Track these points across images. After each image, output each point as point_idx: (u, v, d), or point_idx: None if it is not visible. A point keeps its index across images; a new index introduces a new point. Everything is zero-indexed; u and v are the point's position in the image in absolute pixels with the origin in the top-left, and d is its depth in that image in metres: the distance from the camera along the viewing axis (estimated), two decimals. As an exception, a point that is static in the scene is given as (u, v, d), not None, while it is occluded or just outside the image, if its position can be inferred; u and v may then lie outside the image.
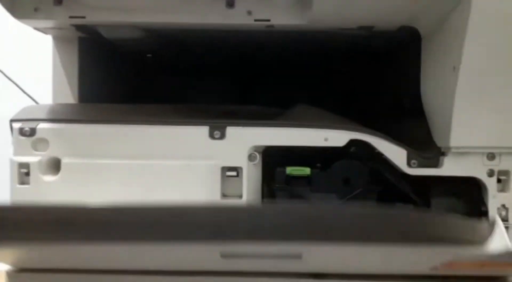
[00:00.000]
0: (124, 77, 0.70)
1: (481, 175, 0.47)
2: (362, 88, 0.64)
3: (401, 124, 0.55)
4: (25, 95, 0.68)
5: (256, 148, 0.49)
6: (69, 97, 0.61)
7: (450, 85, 0.45)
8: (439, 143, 0.49)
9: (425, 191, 0.49)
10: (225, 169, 0.49)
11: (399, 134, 0.50)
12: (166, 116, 0.53)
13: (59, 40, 0.61)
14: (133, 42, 0.62)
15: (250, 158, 0.49)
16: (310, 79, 0.68)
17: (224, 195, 0.49)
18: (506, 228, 0.47)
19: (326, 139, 0.48)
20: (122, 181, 0.48)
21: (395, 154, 0.48)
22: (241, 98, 0.74)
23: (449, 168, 0.48)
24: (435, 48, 0.49)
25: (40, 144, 0.48)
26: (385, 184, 0.48)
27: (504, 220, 0.47)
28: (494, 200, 0.48)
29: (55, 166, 0.49)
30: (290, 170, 0.49)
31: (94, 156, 0.48)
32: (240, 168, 0.49)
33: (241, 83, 0.74)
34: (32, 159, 0.48)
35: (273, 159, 0.50)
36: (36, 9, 0.49)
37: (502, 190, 0.48)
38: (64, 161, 0.48)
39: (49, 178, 0.48)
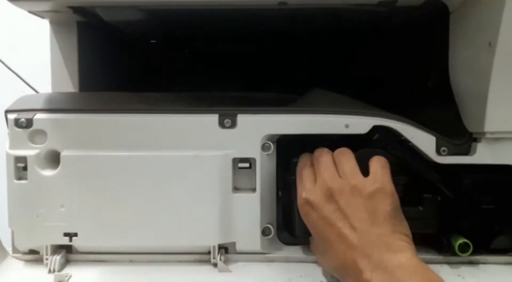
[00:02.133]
0: (126, 65, 0.67)
1: (516, 162, 0.43)
2: (382, 71, 0.59)
3: (427, 108, 0.50)
4: (24, 85, 0.65)
5: (270, 137, 0.45)
6: (69, 85, 0.57)
7: (485, 63, 0.41)
8: (471, 128, 0.44)
9: (454, 181, 0.45)
10: (236, 160, 0.45)
11: (424, 119, 0.46)
12: (172, 104, 0.49)
13: (56, 25, 0.57)
14: (135, 26, 0.59)
15: (264, 147, 0.45)
16: (325, 62, 0.64)
17: (236, 188, 0.45)
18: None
19: (347, 126, 0.44)
20: (126, 174, 0.44)
21: (423, 141, 0.44)
22: (252, 85, 0.70)
23: (482, 155, 0.44)
24: (467, 23, 0.44)
25: (38, 135, 0.45)
26: (411, 174, 0.44)
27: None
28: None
29: (54, 159, 0.45)
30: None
31: (96, 148, 0.45)
32: (253, 159, 0.45)
33: (252, 69, 0.70)
34: (29, 152, 0.45)
35: (287, 148, 0.47)
36: (29, -10, 0.45)
37: (541, 178, 0.43)
38: (64, 153, 0.44)
39: (48, 172, 0.45)
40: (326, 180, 0.40)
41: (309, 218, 0.41)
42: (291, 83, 0.61)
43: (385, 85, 0.57)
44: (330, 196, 0.40)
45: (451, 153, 0.44)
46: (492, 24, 0.39)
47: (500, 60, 0.40)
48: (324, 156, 0.42)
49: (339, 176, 0.41)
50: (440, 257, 0.45)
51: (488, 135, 0.42)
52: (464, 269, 0.44)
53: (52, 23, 0.57)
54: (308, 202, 0.40)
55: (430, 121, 0.46)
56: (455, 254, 0.44)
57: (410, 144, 0.44)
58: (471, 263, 0.45)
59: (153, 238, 0.45)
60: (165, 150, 0.45)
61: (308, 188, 0.41)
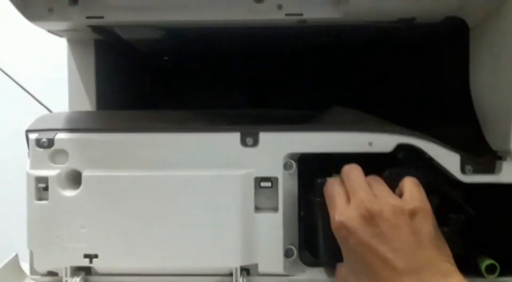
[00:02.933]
0: (141, 82, 0.67)
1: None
2: (400, 88, 0.59)
3: (447, 126, 0.50)
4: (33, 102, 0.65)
5: (292, 156, 0.45)
6: (86, 104, 0.57)
7: (509, 78, 0.40)
8: (495, 146, 0.44)
9: (479, 200, 0.44)
10: (258, 179, 0.45)
11: (446, 138, 0.45)
12: (193, 122, 0.49)
13: (74, 43, 0.57)
14: (151, 43, 0.59)
15: (286, 166, 0.45)
16: (341, 79, 0.64)
17: (257, 208, 0.45)
18: None
19: (370, 144, 0.44)
20: (147, 194, 0.44)
21: (448, 159, 0.43)
22: (265, 102, 0.70)
23: (508, 174, 0.43)
24: (489, 38, 0.44)
25: (59, 155, 0.45)
26: (439, 194, 0.43)
27: None
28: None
29: (75, 179, 0.45)
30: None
31: (117, 168, 0.44)
32: (275, 178, 0.45)
33: (265, 85, 0.70)
34: (50, 172, 0.44)
35: (310, 168, 0.46)
36: (50, 10, 0.45)
37: None
38: (85, 173, 0.44)
39: (69, 193, 0.44)
40: (363, 200, 0.37)
41: (346, 243, 0.38)
42: (307, 100, 0.61)
43: (403, 103, 0.57)
44: (370, 218, 0.37)
45: (477, 172, 0.43)
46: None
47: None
48: (355, 172, 0.40)
49: (375, 196, 0.38)
50: (467, 279, 0.44)
51: (514, 154, 0.42)
52: (492, 290, 0.43)
53: (70, 41, 0.57)
54: (344, 226, 0.38)
55: (453, 140, 0.45)
56: (482, 276, 0.43)
57: (434, 162, 0.44)
58: (498, 284, 0.44)
59: (174, 260, 0.44)
60: (186, 169, 0.44)
61: (342, 210, 0.38)
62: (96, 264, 0.44)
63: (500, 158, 0.43)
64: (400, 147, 0.44)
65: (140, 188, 0.44)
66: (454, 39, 0.50)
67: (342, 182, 0.41)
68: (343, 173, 0.41)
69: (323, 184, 0.42)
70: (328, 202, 0.40)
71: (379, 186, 0.39)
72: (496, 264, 0.43)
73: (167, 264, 0.44)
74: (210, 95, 0.68)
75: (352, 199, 0.38)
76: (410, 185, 0.39)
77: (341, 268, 0.41)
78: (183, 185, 0.44)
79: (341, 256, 0.40)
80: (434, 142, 0.44)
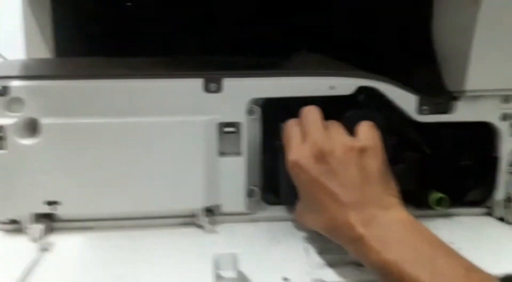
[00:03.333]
0: (102, 29, 0.64)
1: (494, 119, 0.45)
2: (363, 30, 0.59)
3: (409, 68, 0.51)
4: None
5: (255, 101, 0.45)
6: (44, 51, 0.55)
7: (469, 21, 0.41)
8: (451, 86, 0.45)
9: (434, 139, 0.46)
10: (222, 125, 0.45)
11: (407, 79, 0.46)
12: (154, 69, 0.48)
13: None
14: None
15: (249, 112, 0.45)
16: (304, 24, 0.63)
17: (221, 153, 0.45)
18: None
19: (332, 88, 0.44)
20: (109, 141, 0.43)
21: (405, 100, 0.45)
22: (234, 51, 0.69)
23: (462, 113, 0.45)
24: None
25: (15, 103, 0.43)
26: (397, 134, 0.45)
27: (517, 165, 0.45)
28: (507, 145, 0.45)
29: (33, 127, 0.44)
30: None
31: (76, 115, 0.43)
32: (239, 123, 0.45)
33: (233, 34, 0.69)
34: (6, 121, 0.43)
35: (272, 113, 0.46)
36: None
37: (515, 134, 0.45)
38: (43, 121, 0.43)
39: (27, 141, 0.43)
40: (316, 140, 0.39)
41: (299, 180, 0.40)
42: (273, 47, 0.60)
43: (367, 46, 0.57)
44: (321, 157, 0.38)
45: (433, 112, 0.45)
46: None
47: (484, 19, 0.40)
48: (312, 114, 0.41)
49: (329, 137, 0.39)
50: (418, 211, 0.46)
51: (468, 94, 0.43)
52: (440, 221, 0.46)
53: (22, -15, 0.54)
54: (297, 165, 0.39)
55: (413, 81, 0.46)
56: (432, 208, 0.45)
57: (392, 104, 0.45)
58: (445, 215, 0.47)
59: (138, 203, 0.44)
60: (149, 115, 0.44)
61: (296, 150, 0.40)
62: (59, 211, 0.44)
63: (455, 98, 0.45)
64: (360, 90, 0.44)
65: (101, 134, 0.43)
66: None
67: (299, 123, 0.42)
68: (300, 115, 0.42)
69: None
70: (285, 142, 0.42)
71: (335, 128, 0.41)
72: (446, 197, 0.45)
73: (131, 208, 0.44)
74: (175, 42, 0.67)
75: (306, 139, 0.40)
76: (364, 127, 0.40)
77: (298, 206, 0.43)
78: (146, 131, 0.44)
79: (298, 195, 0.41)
80: (393, 84, 0.45)
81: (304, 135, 0.41)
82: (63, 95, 0.43)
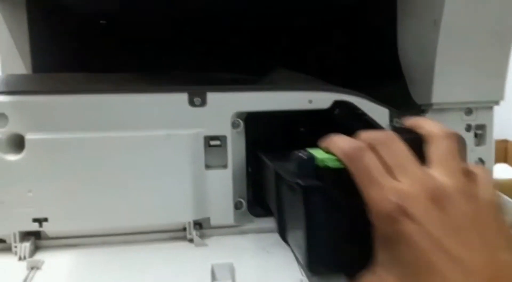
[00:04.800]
0: (78, 47, 0.64)
1: (460, 130, 0.49)
2: (334, 50, 0.63)
3: (378, 84, 0.55)
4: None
5: (239, 115, 0.47)
6: (20, 68, 0.54)
7: (431, 40, 0.45)
8: (419, 100, 0.49)
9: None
10: (207, 138, 0.46)
11: (376, 95, 0.50)
12: (138, 84, 0.49)
13: (4, 3, 0.53)
14: (86, 4, 0.57)
15: (234, 125, 0.47)
16: (278, 43, 0.66)
17: (207, 166, 0.47)
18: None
19: (310, 102, 0.47)
20: (95, 156, 0.44)
21: (378, 114, 0.48)
22: (207, 68, 0.70)
23: (430, 125, 0.49)
24: (412, 2, 0.49)
25: (-2, 119, 0.43)
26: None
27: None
28: (472, 154, 0.50)
29: (17, 143, 0.43)
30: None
31: (62, 130, 0.43)
32: (224, 137, 0.47)
33: (208, 53, 0.71)
34: (-11, 137, 0.42)
35: (254, 125, 0.49)
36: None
37: (478, 144, 0.50)
38: (28, 137, 0.43)
39: (12, 157, 0.43)
40: (422, 177, 0.28)
41: (399, 237, 0.27)
42: (249, 65, 0.63)
43: (338, 64, 0.61)
44: (437, 200, 0.27)
45: (402, 124, 0.48)
46: (436, 3, 0.44)
47: (444, 37, 0.44)
48: (397, 143, 0.30)
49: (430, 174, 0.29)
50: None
51: (435, 107, 0.48)
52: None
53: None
54: (402, 211, 0.27)
55: (382, 96, 0.50)
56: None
57: (366, 117, 0.48)
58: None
59: (127, 219, 0.45)
60: (134, 130, 0.45)
61: (396, 188, 0.28)
62: (46, 228, 0.43)
63: (423, 111, 0.49)
64: (336, 104, 0.48)
65: (88, 149, 0.44)
66: (383, 3, 0.54)
67: (370, 149, 0.31)
68: (377, 142, 0.31)
69: (310, 160, 0.33)
70: (359, 175, 0.30)
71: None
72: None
73: (120, 224, 0.45)
74: (150, 61, 0.68)
75: (402, 175, 0.29)
76: (481, 170, 0.30)
77: (374, 278, 0.29)
78: (132, 146, 0.44)
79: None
80: (366, 98, 0.48)
81: (390, 169, 0.30)
82: (48, 111, 0.43)
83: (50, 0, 0.51)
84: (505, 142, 1.70)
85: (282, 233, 0.41)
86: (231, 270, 0.35)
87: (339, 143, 0.32)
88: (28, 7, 0.53)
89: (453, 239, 0.27)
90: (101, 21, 0.69)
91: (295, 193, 0.33)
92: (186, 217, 0.45)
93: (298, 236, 0.35)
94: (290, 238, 0.40)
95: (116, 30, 0.69)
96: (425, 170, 0.29)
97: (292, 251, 0.40)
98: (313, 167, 0.32)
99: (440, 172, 0.29)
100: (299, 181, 0.32)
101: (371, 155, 0.30)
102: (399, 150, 0.30)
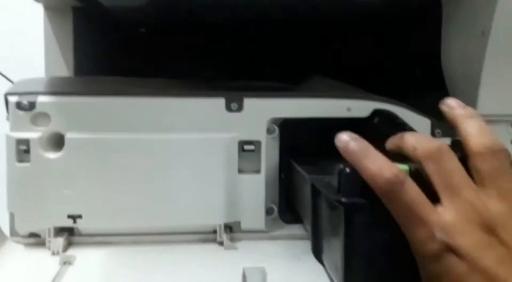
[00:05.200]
0: (119, 53, 0.66)
1: (506, 143, 0.47)
2: (375, 62, 0.62)
3: (420, 96, 0.53)
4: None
5: (275, 121, 0.47)
6: (63, 72, 0.56)
7: (478, 50, 0.44)
8: (462, 112, 0.47)
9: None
10: (242, 143, 0.46)
11: (417, 105, 0.49)
12: (177, 89, 0.50)
13: (51, 10, 0.56)
14: (130, 13, 0.59)
15: (269, 131, 0.46)
16: (317, 54, 0.66)
17: (240, 171, 0.46)
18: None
19: (349, 110, 0.46)
20: (131, 156, 0.44)
21: (419, 124, 0.47)
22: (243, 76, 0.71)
23: (474, 137, 0.47)
24: (460, 13, 0.47)
25: (41, 118, 0.44)
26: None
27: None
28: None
29: (57, 142, 0.44)
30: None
31: (101, 131, 0.44)
32: (258, 142, 0.46)
33: (242, 61, 0.71)
34: (32, 134, 0.44)
35: (289, 132, 0.48)
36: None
37: (525, 158, 0.47)
38: (68, 136, 0.44)
39: (51, 155, 0.44)
40: (476, 205, 0.25)
41: (450, 274, 0.25)
42: (285, 75, 0.63)
43: (378, 76, 0.60)
44: (490, 229, 0.25)
45: (445, 135, 0.46)
46: (485, 14, 0.42)
47: (492, 48, 0.43)
48: (451, 159, 0.27)
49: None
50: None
51: (479, 118, 0.45)
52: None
53: (47, 8, 0.56)
54: (452, 249, 0.25)
55: (424, 107, 0.49)
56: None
57: (406, 127, 0.47)
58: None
59: (159, 219, 0.45)
60: (171, 132, 0.45)
61: (444, 222, 0.25)
62: (80, 225, 0.44)
63: (467, 123, 0.47)
64: (375, 113, 0.46)
65: (124, 150, 0.44)
66: (427, 14, 0.53)
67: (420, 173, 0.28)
68: (427, 157, 0.28)
69: (353, 174, 0.29)
70: (398, 214, 0.27)
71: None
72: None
73: (151, 224, 0.45)
74: (190, 67, 0.69)
75: (452, 199, 0.26)
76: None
77: None
78: (168, 148, 0.45)
79: None
80: (407, 108, 0.47)
81: (437, 191, 0.27)
82: (88, 111, 0.44)
83: (94, 9, 0.53)
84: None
85: (317, 252, 0.37)
86: (263, 274, 0.34)
87: (374, 169, 0.27)
88: (73, 15, 0.55)
89: (509, 270, 0.24)
90: (141, 29, 0.72)
91: (335, 210, 0.30)
92: (217, 219, 0.45)
93: (335, 257, 0.31)
94: (325, 259, 0.36)
95: (154, 38, 0.70)
96: (478, 192, 0.26)
97: (327, 273, 0.37)
98: (356, 181, 0.28)
99: (492, 194, 0.26)
100: (342, 198, 0.29)
101: (411, 185, 0.27)
102: (453, 167, 0.27)
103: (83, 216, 0.44)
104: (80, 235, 0.45)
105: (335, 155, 0.33)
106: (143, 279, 0.39)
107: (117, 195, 0.44)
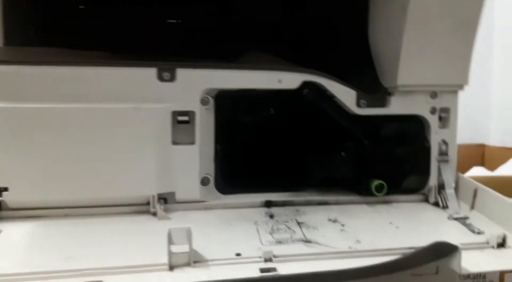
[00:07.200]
0: (54, 29, 0.64)
1: (425, 113, 0.50)
2: (308, 35, 0.63)
3: (348, 68, 0.56)
4: None
5: (209, 91, 0.47)
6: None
7: (398, 25, 0.46)
8: (386, 83, 0.50)
9: (372, 130, 0.51)
10: (176, 113, 0.46)
11: (345, 77, 0.51)
12: (109, 58, 0.49)
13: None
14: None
15: (203, 101, 0.47)
16: (254, 28, 0.66)
17: (175, 142, 0.47)
18: (446, 161, 0.51)
19: (280, 82, 0.48)
20: (59, 126, 0.43)
21: (345, 95, 0.49)
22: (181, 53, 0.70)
23: (396, 106, 0.50)
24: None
25: (-39, 88, 0.42)
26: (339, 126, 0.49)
27: (444, 153, 0.50)
28: (436, 136, 0.51)
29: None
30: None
31: (26, 100, 0.43)
32: (193, 113, 0.47)
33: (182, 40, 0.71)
34: (-48, 105, 0.42)
35: (224, 104, 0.49)
36: None
37: (442, 126, 0.51)
38: (-8, 106, 0.42)
39: (-26, 126, 0.42)
40: None
41: None
42: (223, 50, 0.63)
43: (311, 49, 0.62)
44: None
45: (370, 105, 0.49)
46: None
47: (411, 22, 0.45)
48: None
49: None
50: (359, 198, 0.50)
51: (400, 89, 0.49)
52: (380, 207, 0.50)
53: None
54: None
55: (352, 79, 0.51)
56: (372, 195, 0.49)
57: (334, 98, 0.49)
58: (385, 202, 0.51)
59: (90, 191, 0.44)
60: (100, 102, 0.44)
61: None
62: (7, 197, 0.43)
63: (390, 94, 0.50)
64: (305, 84, 0.48)
65: (52, 120, 0.43)
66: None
67: None
68: None
69: None
70: None
71: None
72: (384, 184, 0.49)
73: (82, 196, 0.44)
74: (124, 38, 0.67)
75: None
76: None
77: None
78: (99, 118, 0.44)
79: None
80: (334, 80, 0.49)
81: None
82: (13, 80, 0.43)
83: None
84: (482, 146, 1.73)
85: None
86: (188, 233, 0.35)
87: None
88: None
89: None
90: (80, 6, 0.69)
91: None
92: (150, 190, 0.45)
93: None
94: None
95: (93, 14, 0.68)
96: None
97: None
98: None
99: None
100: None
101: None
102: None
103: (9, 189, 0.43)
104: (8, 209, 0.44)
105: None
106: (71, 247, 0.39)
107: (46, 166, 0.43)
